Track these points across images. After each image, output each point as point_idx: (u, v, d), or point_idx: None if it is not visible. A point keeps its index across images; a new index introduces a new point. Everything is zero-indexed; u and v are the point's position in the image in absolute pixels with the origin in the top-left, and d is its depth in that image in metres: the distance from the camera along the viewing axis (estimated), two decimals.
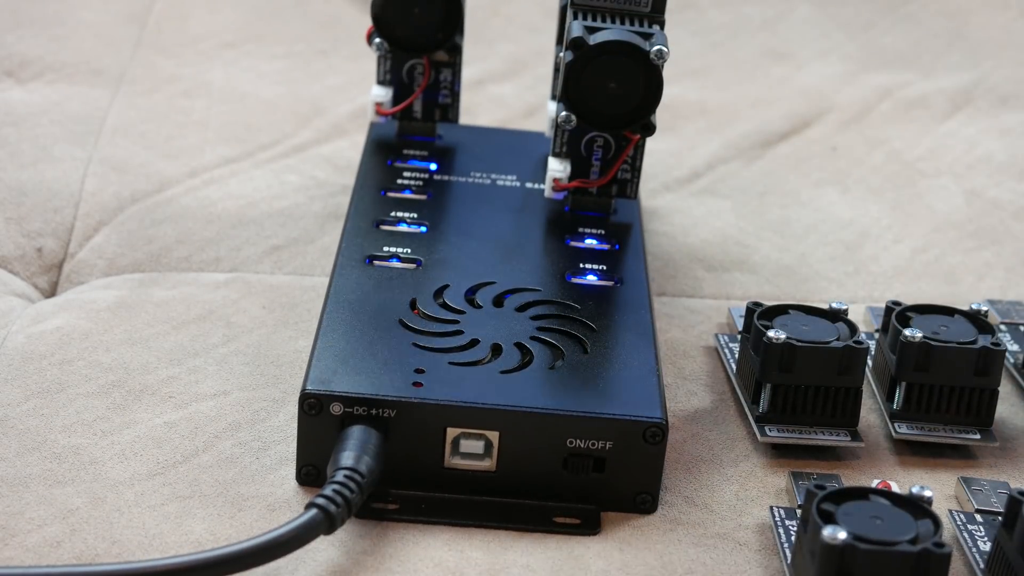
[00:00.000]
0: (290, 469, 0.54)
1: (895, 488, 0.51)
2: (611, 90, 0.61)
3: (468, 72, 0.76)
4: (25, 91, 0.81)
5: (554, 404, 0.52)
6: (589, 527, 0.52)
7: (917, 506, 0.48)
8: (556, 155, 0.63)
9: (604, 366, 0.55)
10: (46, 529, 0.50)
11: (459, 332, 0.56)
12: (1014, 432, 0.59)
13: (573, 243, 0.63)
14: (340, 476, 0.50)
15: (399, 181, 0.66)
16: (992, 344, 0.57)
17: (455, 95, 0.69)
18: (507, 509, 0.53)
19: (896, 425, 0.57)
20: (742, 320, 0.60)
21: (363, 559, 0.50)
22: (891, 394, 0.58)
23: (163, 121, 0.78)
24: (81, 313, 0.62)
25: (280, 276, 0.66)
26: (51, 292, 0.67)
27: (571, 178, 0.64)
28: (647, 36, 0.61)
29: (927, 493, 0.49)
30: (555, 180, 0.63)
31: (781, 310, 0.58)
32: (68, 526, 0.51)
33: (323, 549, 0.50)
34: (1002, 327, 0.65)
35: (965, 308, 0.59)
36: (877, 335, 0.61)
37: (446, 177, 0.67)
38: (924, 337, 0.57)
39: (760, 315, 0.58)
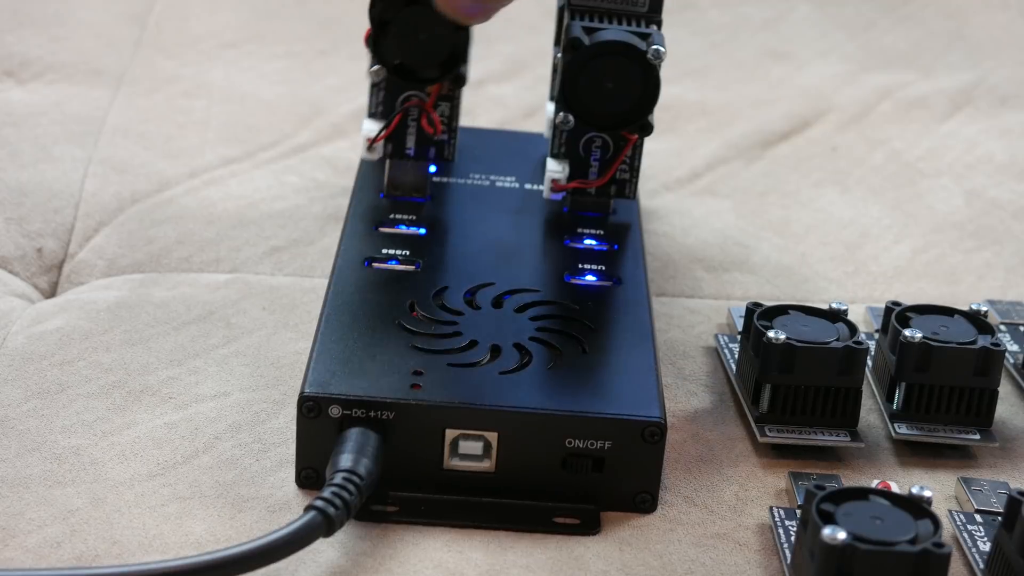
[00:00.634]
0: (290, 471, 0.54)
1: (895, 488, 0.51)
2: (609, 90, 0.61)
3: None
4: (25, 91, 0.81)
5: (553, 404, 0.52)
6: (589, 527, 0.52)
7: (917, 506, 0.48)
8: (554, 156, 0.63)
9: (603, 366, 0.55)
10: (46, 530, 0.50)
11: (458, 334, 0.56)
12: (1014, 432, 0.59)
13: (572, 244, 0.63)
14: (338, 478, 0.49)
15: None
16: (992, 344, 0.57)
17: (452, 131, 0.64)
18: (506, 510, 0.53)
19: (896, 425, 0.57)
20: (742, 320, 0.60)
21: (363, 560, 0.50)
22: (891, 394, 0.58)
23: (163, 121, 0.78)
24: (81, 314, 0.62)
25: (280, 277, 0.66)
26: (51, 293, 0.67)
27: (569, 179, 0.64)
28: (644, 36, 0.60)
29: (927, 493, 0.49)
30: (553, 181, 0.63)
31: (781, 310, 0.58)
32: (68, 527, 0.51)
33: (323, 551, 0.50)
34: (1002, 327, 0.64)
35: (965, 308, 0.59)
36: (877, 335, 0.61)
37: (445, 179, 0.67)
38: (924, 337, 0.57)
39: (760, 315, 0.58)
